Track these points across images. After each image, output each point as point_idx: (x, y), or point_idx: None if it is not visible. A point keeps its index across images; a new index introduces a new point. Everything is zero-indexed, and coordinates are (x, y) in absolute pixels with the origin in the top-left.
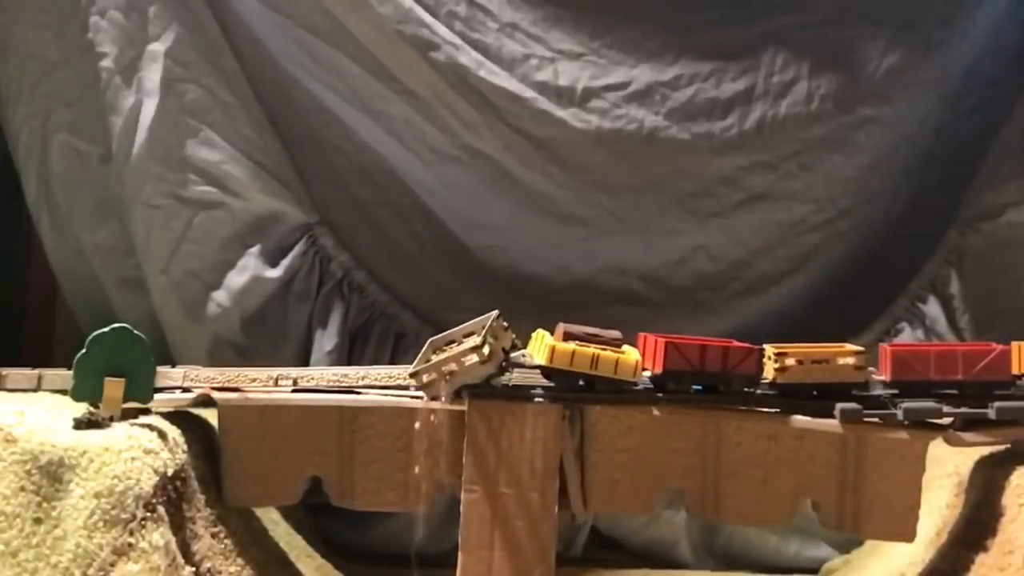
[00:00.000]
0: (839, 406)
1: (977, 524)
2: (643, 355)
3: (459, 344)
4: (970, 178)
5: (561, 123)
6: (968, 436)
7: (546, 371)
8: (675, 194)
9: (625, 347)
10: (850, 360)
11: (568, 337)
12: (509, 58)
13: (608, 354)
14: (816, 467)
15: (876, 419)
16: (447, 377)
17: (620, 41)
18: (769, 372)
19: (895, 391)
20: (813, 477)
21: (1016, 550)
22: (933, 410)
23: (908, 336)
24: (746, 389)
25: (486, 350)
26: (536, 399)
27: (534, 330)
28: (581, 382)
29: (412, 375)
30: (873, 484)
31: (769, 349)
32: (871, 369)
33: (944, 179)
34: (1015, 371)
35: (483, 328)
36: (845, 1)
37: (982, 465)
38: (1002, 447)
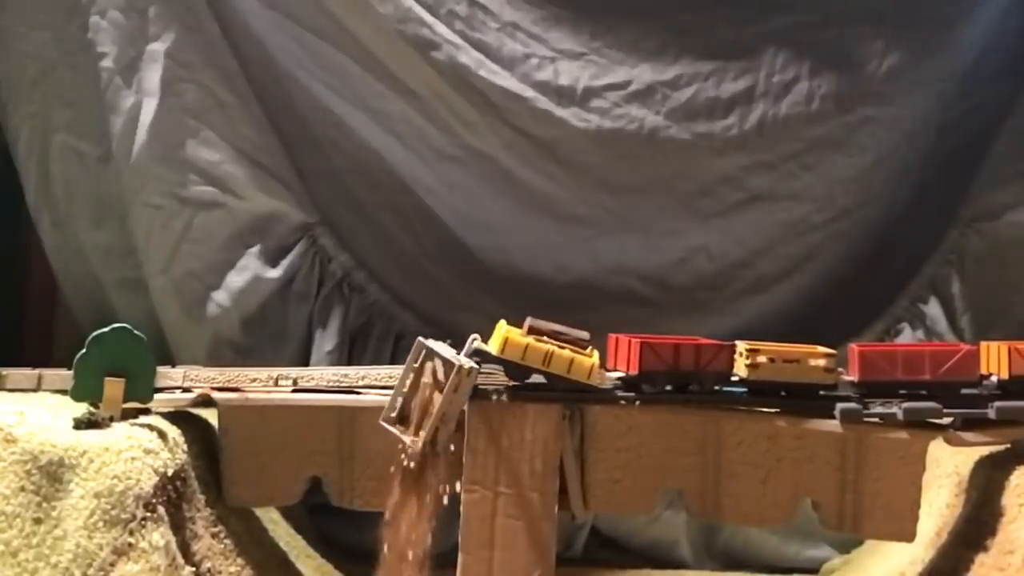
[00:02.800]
0: (839, 406)
1: (977, 524)
2: (614, 357)
3: (424, 390)
4: (970, 178)
5: (562, 123)
6: (968, 436)
7: (502, 363)
8: (676, 194)
9: (591, 350)
10: (821, 362)
11: (532, 331)
12: (509, 58)
13: (563, 353)
14: (816, 467)
15: (876, 419)
16: (444, 418)
17: (620, 41)
18: (740, 369)
19: (863, 391)
20: (813, 477)
21: (1016, 550)
22: (933, 410)
23: (908, 336)
24: (716, 387)
25: (466, 365)
26: (535, 400)
27: None
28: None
29: (412, 447)
30: (873, 484)
31: (741, 346)
32: (840, 370)
33: (944, 179)
34: (986, 371)
35: (433, 356)
36: (845, 1)
37: (982, 465)
38: (1002, 447)
